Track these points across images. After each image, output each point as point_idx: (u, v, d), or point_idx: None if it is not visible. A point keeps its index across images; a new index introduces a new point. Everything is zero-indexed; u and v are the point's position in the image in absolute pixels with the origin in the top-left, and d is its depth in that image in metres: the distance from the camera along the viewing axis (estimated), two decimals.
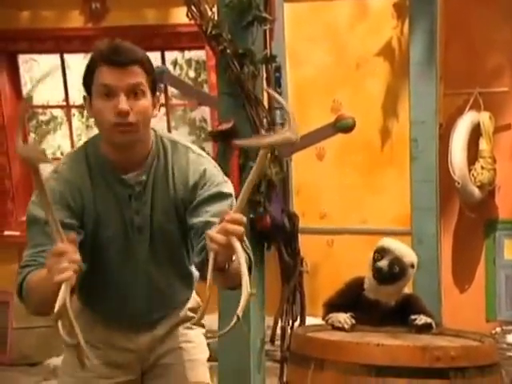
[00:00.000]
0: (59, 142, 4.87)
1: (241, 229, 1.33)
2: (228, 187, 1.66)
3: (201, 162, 1.67)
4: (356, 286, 2.25)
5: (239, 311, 1.22)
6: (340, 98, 3.81)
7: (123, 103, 1.52)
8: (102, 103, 1.55)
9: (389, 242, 2.22)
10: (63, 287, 1.29)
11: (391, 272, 2.14)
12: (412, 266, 2.19)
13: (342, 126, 2.74)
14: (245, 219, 1.35)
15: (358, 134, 2.98)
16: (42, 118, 4.86)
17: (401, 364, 1.84)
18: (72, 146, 4.70)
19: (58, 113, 4.82)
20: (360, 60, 3.82)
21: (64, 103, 4.68)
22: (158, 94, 1.66)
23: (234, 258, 1.36)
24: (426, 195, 3.36)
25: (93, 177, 1.65)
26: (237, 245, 1.32)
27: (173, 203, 1.67)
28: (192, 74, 4.55)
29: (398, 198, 3.78)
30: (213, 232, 1.34)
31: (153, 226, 1.68)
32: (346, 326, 2.08)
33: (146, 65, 1.58)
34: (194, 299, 1.89)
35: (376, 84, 3.79)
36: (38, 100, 4.78)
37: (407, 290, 2.32)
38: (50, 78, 4.65)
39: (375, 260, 2.18)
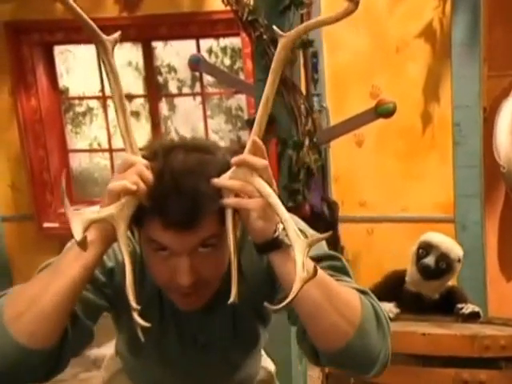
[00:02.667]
0: (95, 133, 4.87)
1: (264, 162, 1.07)
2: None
3: None
4: (397, 278, 2.20)
5: (292, 295, 0.98)
6: (379, 82, 3.72)
7: (185, 276, 1.11)
8: (154, 257, 1.15)
9: (433, 237, 2.16)
10: (123, 203, 1.04)
11: (438, 268, 2.09)
12: (459, 260, 2.14)
13: (383, 111, 2.71)
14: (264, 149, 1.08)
15: (398, 120, 2.91)
16: (78, 109, 4.87)
17: (448, 354, 1.80)
18: (108, 136, 4.70)
19: (94, 104, 4.82)
20: (400, 43, 3.72)
21: (100, 94, 4.68)
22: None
23: (278, 225, 1.06)
24: (469, 181, 3.27)
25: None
26: (267, 189, 1.04)
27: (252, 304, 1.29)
28: (227, 61, 4.50)
29: (440, 185, 3.69)
30: (223, 179, 1.07)
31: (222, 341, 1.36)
32: (391, 315, 2.04)
33: (220, 204, 1.09)
34: (263, 370, 1.63)
35: (416, 67, 3.69)
36: (74, 91, 4.79)
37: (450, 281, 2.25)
38: (86, 69, 4.65)
39: (419, 256, 2.12)
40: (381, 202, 3.87)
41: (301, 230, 1.04)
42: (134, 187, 1.03)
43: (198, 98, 4.59)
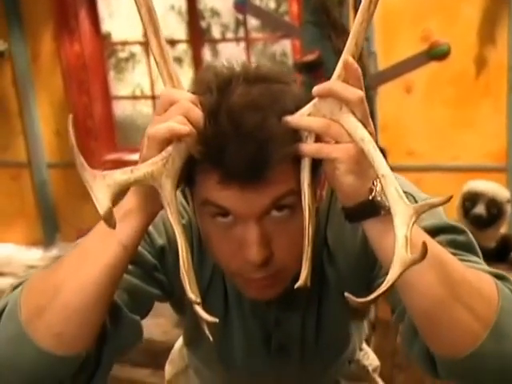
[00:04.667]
0: (138, 79, 4.83)
1: (359, 93, 0.78)
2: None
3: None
4: None
5: (386, 284, 0.74)
6: (431, 26, 3.56)
7: (254, 249, 0.84)
8: (212, 228, 0.88)
9: (477, 186, 2.10)
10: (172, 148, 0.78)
11: (490, 215, 2.04)
12: (508, 201, 2.08)
13: (436, 54, 2.60)
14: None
15: (450, 65, 2.79)
16: (120, 55, 4.82)
17: None
18: (151, 83, 4.66)
19: (137, 49, 4.77)
20: None
21: (142, 39, 4.62)
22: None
23: (375, 182, 0.79)
24: None
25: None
26: (360, 131, 0.77)
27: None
28: (272, 4, 4.38)
29: (492, 133, 3.56)
30: (300, 116, 0.81)
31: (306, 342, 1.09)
32: None
33: (297, 148, 0.83)
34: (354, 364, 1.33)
35: (471, 9, 3.51)
36: (116, 36, 4.74)
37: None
38: (128, 14, 4.58)
39: (467, 208, 2.06)
40: (430, 151, 3.76)
41: (406, 193, 0.78)
42: (184, 129, 0.76)
43: (242, 44, 4.49)
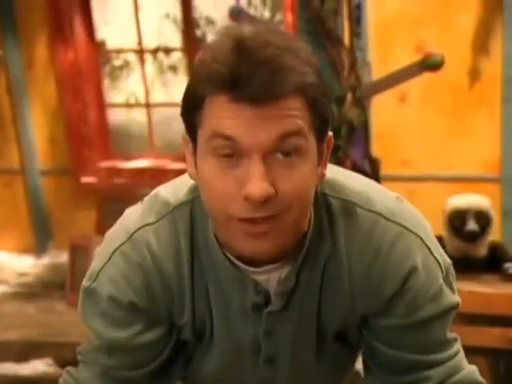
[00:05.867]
0: (132, 87, 4.83)
1: None
2: (447, 296, 1.00)
3: (408, 250, 0.94)
4: None
5: None
6: (426, 35, 3.57)
7: (257, 182, 0.82)
8: (216, 169, 0.85)
9: (460, 202, 2.12)
10: None
11: (481, 228, 2.06)
12: (491, 207, 2.10)
13: (430, 64, 2.60)
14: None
15: (444, 75, 2.80)
16: (115, 62, 4.82)
17: (495, 312, 1.78)
18: (146, 91, 4.65)
19: (132, 58, 4.77)
20: None
21: (137, 47, 4.62)
22: (329, 134, 0.92)
23: None
24: None
25: (195, 268, 0.96)
26: None
27: (342, 319, 0.99)
28: (267, 14, 4.39)
29: (487, 143, 3.56)
30: None
31: (294, 356, 1.02)
32: None
33: (313, 88, 0.85)
34: None
35: (466, 18, 3.52)
36: (111, 44, 4.74)
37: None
38: (123, 21, 4.59)
39: (456, 226, 2.08)
40: (424, 161, 3.76)
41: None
42: None
43: None
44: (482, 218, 2.09)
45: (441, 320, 1.00)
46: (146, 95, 4.66)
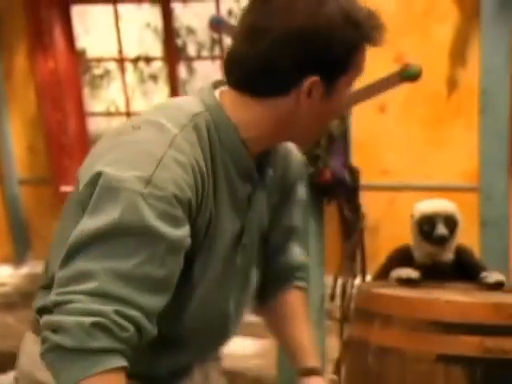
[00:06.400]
0: (113, 96, 4.83)
1: None
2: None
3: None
4: (403, 256, 2.17)
5: None
6: (404, 47, 3.61)
7: None
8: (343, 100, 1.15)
9: (427, 207, 2.14)
10: None
11: (450, 231, 2.09)
12: (457, 210, 2.13)
13: (408, 75, 2.63)
14: None
15: (422, 85, 2.83)
16: (95, 71, 4.82)
17: (472, 321, 1.79)
18: (126, 100, 4.65)
19: (112, 66, 4.77)
20: (427, 5, 3.61)
21: (117, 56, 4.62)
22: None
23: None
24: (496, 149, 3.21)
25: (214, 157, 1.10)
26: None
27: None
28: None
29: (465, 153, 3.61)
30: None
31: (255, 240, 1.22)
32: (414, 275, 2.01)
33: None
34: None
35: (444, 31, 3.58)
36: (91, 53, 4.73)
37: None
38: (103, 30, 4.59)
39: (425, 231, 2.10)
40: (403, 170, 3.80)
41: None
42: None
43: (218, 62, 4.51)
44: (450, 222, 2.11)
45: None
46: (126, 104, 4.65)
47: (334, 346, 2.62)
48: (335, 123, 2.86)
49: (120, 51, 4.52)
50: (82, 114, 4.69)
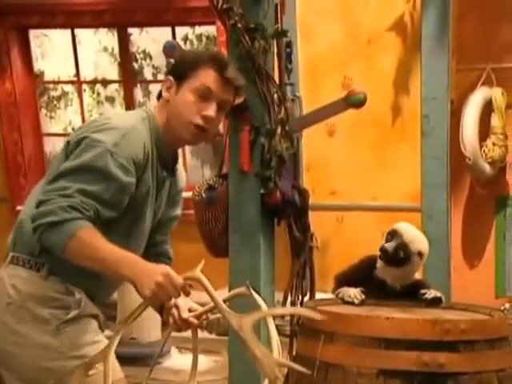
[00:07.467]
0: (70, 117, 4.87)
1: None
2: None
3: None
4: (369, 263, 2.24)
5: None
6: (351, 73, 3.78)
7: (213, 111, 1.66)
8: (193, 99, 1.66)
9: (401, 226, 2.18)
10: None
11: (396, 255, 2.12)
12: (419, 253, 2.14)
13: (353, 101, 2.72)
14: None
15: (369, 110, 2.95)
16: (53, 93, 4.86)
17: (411, 337, 1.85)
18: (83, 121, 4.71)
19: (69, 88, 4.82)
20: (372, 35, 3.79)
21: (75, 79, 4.68)
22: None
23: None
24: (436, 171, 3.32)
25: (152, 144, 1.69)
26: None
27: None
28: (202, 49, 4.54)
29: (408, 175, 3.75)
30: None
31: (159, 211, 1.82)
32: (356, 301, 2.09)
33: (238, 91, 1.77)
34: None
35: (388, 59, 3.76)
36: (49, 75, 4.78)
37: (418, 275, 2.28)
38: (61, 54, 4.65)
39: (385, 241, 2.16)
40: (351, 191, 3.94)
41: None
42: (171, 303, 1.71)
43: None
44: (402, 249, 2.10)
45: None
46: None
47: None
48: (285, 146, 2.93)
49: (77, 74, 4.58)
50: (38, 135, 4.72)
